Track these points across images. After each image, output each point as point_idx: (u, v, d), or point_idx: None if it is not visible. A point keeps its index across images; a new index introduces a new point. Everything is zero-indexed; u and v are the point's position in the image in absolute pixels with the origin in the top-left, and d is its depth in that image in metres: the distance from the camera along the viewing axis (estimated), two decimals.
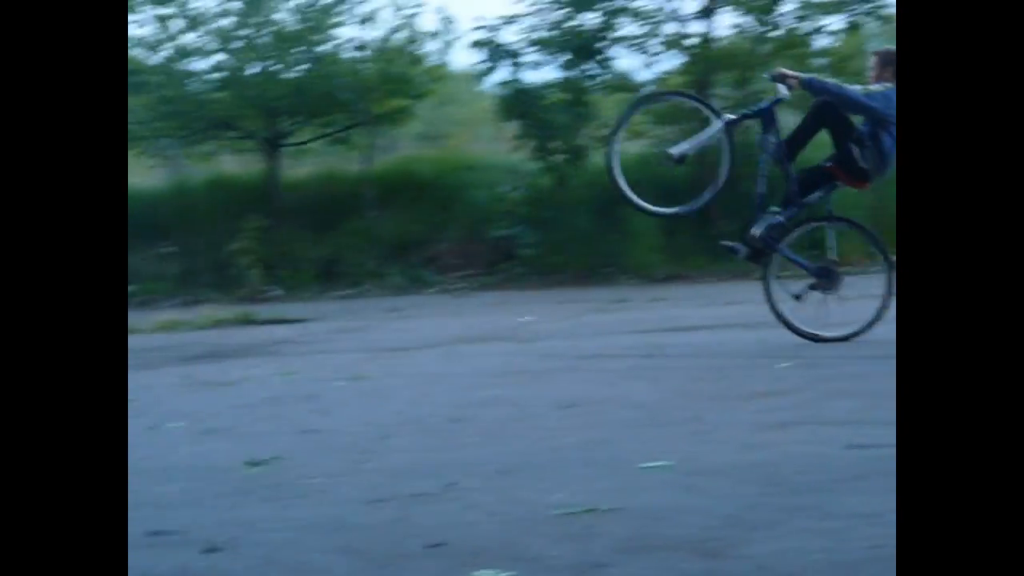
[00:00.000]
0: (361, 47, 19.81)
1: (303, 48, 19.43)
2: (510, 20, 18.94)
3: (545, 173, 18.86)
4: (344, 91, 19.09)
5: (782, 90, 8.62)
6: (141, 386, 8.58)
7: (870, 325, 8.67)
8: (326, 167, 21.21)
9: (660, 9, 19.02)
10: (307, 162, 21.48)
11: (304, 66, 19.56)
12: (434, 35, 20.01)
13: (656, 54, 19.14)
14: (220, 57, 19.66)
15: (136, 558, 3.83)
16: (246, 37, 19.29)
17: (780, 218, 8.76)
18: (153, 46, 19.64)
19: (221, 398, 7.76)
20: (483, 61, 19.14)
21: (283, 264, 18.65)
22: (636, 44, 19.12)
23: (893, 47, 8.96)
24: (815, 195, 8.82)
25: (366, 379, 8.28)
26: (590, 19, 18.89)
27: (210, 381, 8.58)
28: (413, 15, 19.79)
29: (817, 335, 8.77)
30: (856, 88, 8.66)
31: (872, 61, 8.90)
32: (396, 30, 19.79)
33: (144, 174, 22.46)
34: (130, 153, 21.49)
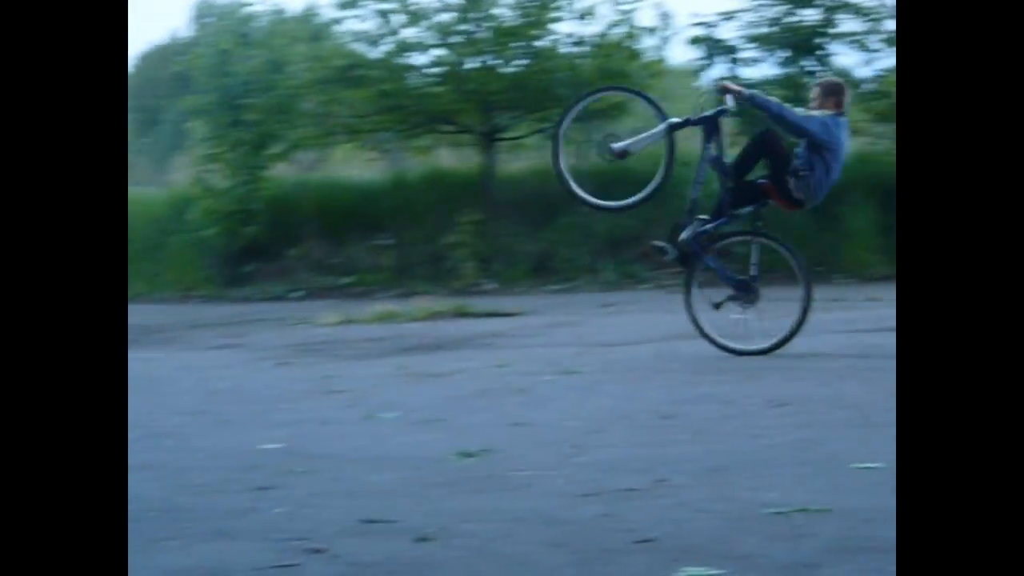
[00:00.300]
0: (579, 42, 19.83)
1: (522, 43, 19.51)
2: (728, 16, 18.81)
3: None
4: (561, 86, 19.10)
5: (728, 101, 8.84)
6: (357, 376, 8.74)
7: (785, 340, 8.86)
8: (542, 162, 21.24)
9: (881, 5, 18.67)
10: (523, 157, 21.54)
11: (522, 61, 19.64)
12: (652, 30, 19.95)
13: (876, 51, 18.80)
14: (440, 52, 19.85)
15: (348, 545, 3.90)
16: (466, 32, 19.45)
17: (708, 226, 8.99)
18: (375, 40, 19.93)
19: (435, 389, 7.85)
20: (701, 57, 19.03)
21: (498, 258, 18.76)
22: (856, 40, 18.81)
23: (835, 78, 9.42)
24: (746, 209, 9.02)
25: (578, 373, 8.31)
26: (810, 15, 18.65)
27: (424, 372, 8.68)
28: (631, 10, 19.76)
29: (731, 347, 8.98)
30: (797, 110, 8.84)
31: (815, 91, 9.05)
32: (614, 25, 19.76)
33: (364, 167, 22.81)
34: (349, 146, 21.89)
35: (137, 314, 16.18)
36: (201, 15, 36.95)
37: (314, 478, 5.12)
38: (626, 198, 9.44)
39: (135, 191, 23.05)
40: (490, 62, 19.56)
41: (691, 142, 10.31)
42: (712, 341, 9.06)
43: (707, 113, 9.03)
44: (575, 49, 19.84)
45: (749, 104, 8.87)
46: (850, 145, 9.10)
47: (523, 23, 19.43)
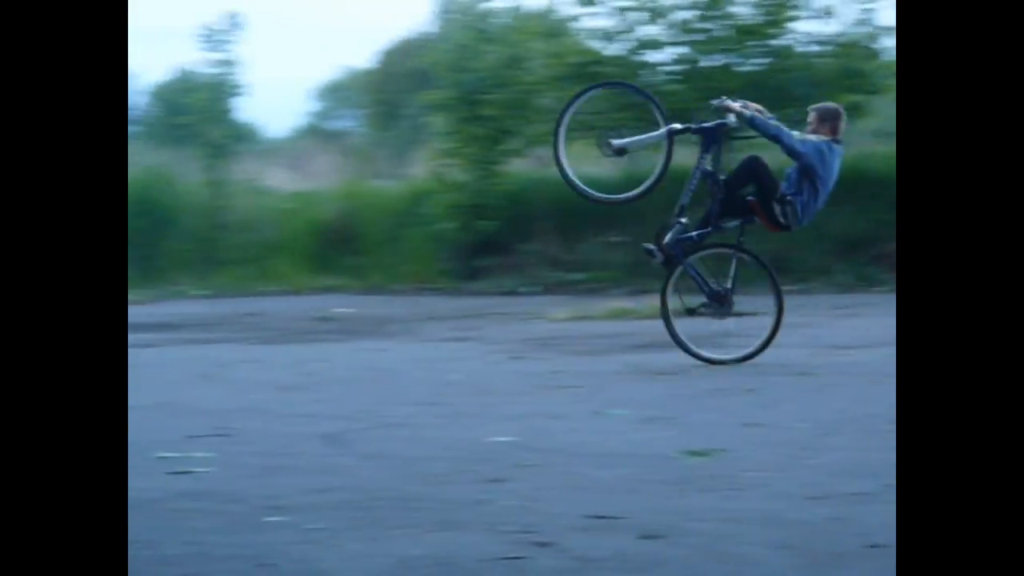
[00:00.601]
0: (819, 42, 19.58)
1: (760, 41, 19.36)
2: None
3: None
4: (799, 85, 18.89)
5: (730, 117, 9.19)
6: (588, 372, 8.79)
7: (755, 352, 9.01)
8: (777, 161, 21.06)
9: None
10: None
11: (760, 60, 19.48)
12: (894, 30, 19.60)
13: None
14: (677, 49, 19.79)
15: (575, 540, 3.94)
16: (704, 30, 19.36)
17: (692, 234, 9.18)
18: (612, 37, 19.96)
19: (664, 387, 7.87)
20: None
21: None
22: None
23: (832, 104, 9.56)
24: (732, 222, 9.23)
25: (810, 375, 8.25)
26: None
27: (654, 370, 8.70)
28: (872, 10, 19.45)
29: (702, 355, 9.04)
30: (793, 133, 9.10)
31: (811, 116, 9.33)
32: (855, 25, 19.48)
33: (601, 164, 22.88)
34: (585, 143, 21.97)
35: (373, 305, 16.52)
36: (442, 11, 37.46)
37: (542, 472, 5.17)
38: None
39: (375, 184, 23.52)
40: (728, 60, 19.45)
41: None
42: (685, 348, 9.14)
43: (707, 124, 9.50)
44: (814, 48, 19.60)
45: (748, 124, 9.14)
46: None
47: (762, 22, 19.27)
